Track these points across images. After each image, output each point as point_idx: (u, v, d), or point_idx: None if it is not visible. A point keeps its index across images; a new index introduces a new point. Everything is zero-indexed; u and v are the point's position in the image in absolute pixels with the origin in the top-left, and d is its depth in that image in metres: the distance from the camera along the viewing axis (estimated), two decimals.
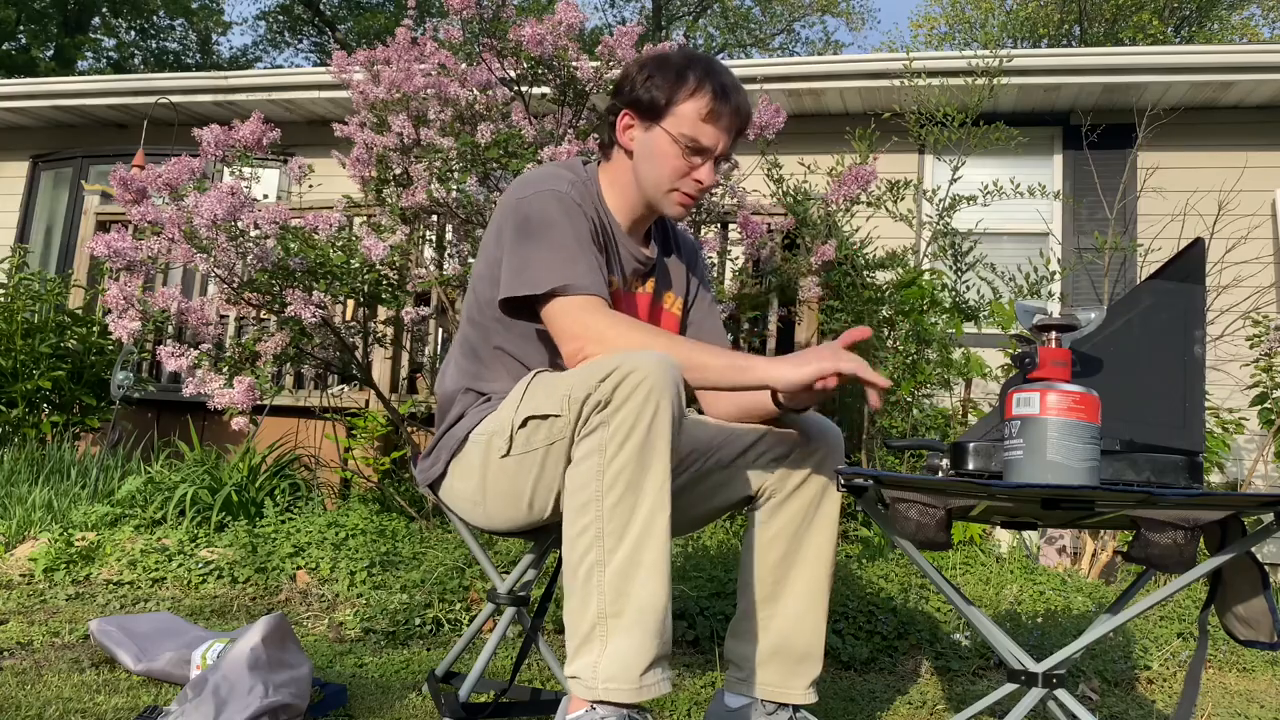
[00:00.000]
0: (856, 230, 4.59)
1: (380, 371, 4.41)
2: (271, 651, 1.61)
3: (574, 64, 3.26)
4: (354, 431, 4.03)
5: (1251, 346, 4.50)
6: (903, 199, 4.54)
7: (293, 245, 3.10)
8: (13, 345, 4.39)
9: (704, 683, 2.11)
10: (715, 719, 1.62)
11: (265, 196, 6.42)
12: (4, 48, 17.61)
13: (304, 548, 3.03)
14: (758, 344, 4.13)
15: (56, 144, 7.49)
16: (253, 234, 2.98)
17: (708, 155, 1.51)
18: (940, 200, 4.69)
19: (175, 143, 6.32)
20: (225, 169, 3.23)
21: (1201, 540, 1.22)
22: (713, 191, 3.35)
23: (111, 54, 20.03)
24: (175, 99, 6.79)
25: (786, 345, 4.28)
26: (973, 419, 4.27)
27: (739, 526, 3.48)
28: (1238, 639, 1.34)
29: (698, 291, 1.75)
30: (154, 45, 20.81)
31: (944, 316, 4.24)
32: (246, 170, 3.22)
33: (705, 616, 2.48)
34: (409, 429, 3.92)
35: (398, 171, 3.36)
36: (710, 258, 3.84)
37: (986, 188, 4.60)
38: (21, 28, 17.79)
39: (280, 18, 21.24)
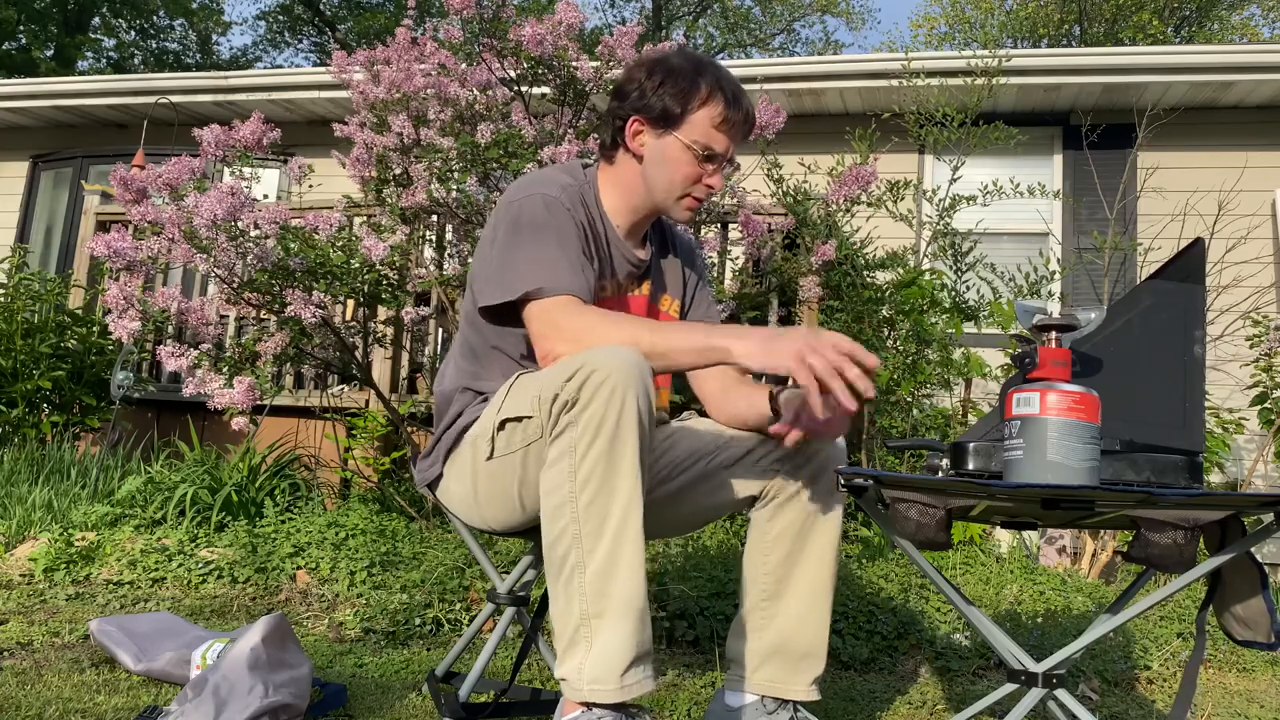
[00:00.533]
0: (856, 230, 4.59)
1: (380, 371, 4.41)
2: (271, 651, 1.61)
3: (574, 64, 3.26)
4: (354, 431, 4.03)
5: (1251, 346, 4.50)
6: (903, 199, 4.54)
7: (293, 245, 3.10)
8: (13, 345, 4.39)
9: (704, 683, 2.11)
10: (715, 718, 1.62)
11: (265, 196, 6.42)
12: (4, 48, 17.61)
13: (304, 548, 3.03)
14: None
15: (56, 144, 7.49)
16: (253, 234, 2.98)
17: (718, 161, 1.54)
18: (940, 200, 4.69)
19: (175, 143, 6.32)
20: (225, 169, 3.23)
21: (1201, 540, 1.22)
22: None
23: (111, 54, 20.03)
24: (175, 99, 6.79)
25: None
26: (973, 419, 4.27)
27: (739, 526, 3.48)
28: (1235, 639, 1.34)
29: (695, 292, 1.75)
30: (154, 45, 20.81)
31: (944, 316, 4.24)
32: (246, 170, 3.22)
33: (705, 616, 2.48)
34: (409, 429, 3.92)
35: (398, 171, 3.36)
36: (710, 258, 3.84)
37: (986, 188, 4.60)
38: (21, 28, 17.79)
39: (280, 18, 21.24)
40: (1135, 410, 1.35)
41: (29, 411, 4.40)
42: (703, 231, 3.96)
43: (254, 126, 3.16)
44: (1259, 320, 4.57)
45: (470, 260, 3.37)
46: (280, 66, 19.69)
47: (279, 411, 4.41)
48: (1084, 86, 5.71)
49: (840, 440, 1.58)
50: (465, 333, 1.61)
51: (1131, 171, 5.48)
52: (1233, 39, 16.34)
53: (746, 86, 1.61)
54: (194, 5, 20.18)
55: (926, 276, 4.18)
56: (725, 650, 1.64)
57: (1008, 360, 4.35)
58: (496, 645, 1.72)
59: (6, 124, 7.44)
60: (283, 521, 3.32)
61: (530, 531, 1.55)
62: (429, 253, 3.83)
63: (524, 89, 3.42)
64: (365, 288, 3.34)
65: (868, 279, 4.35)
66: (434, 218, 3.65)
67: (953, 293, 4.38)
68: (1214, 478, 4.41)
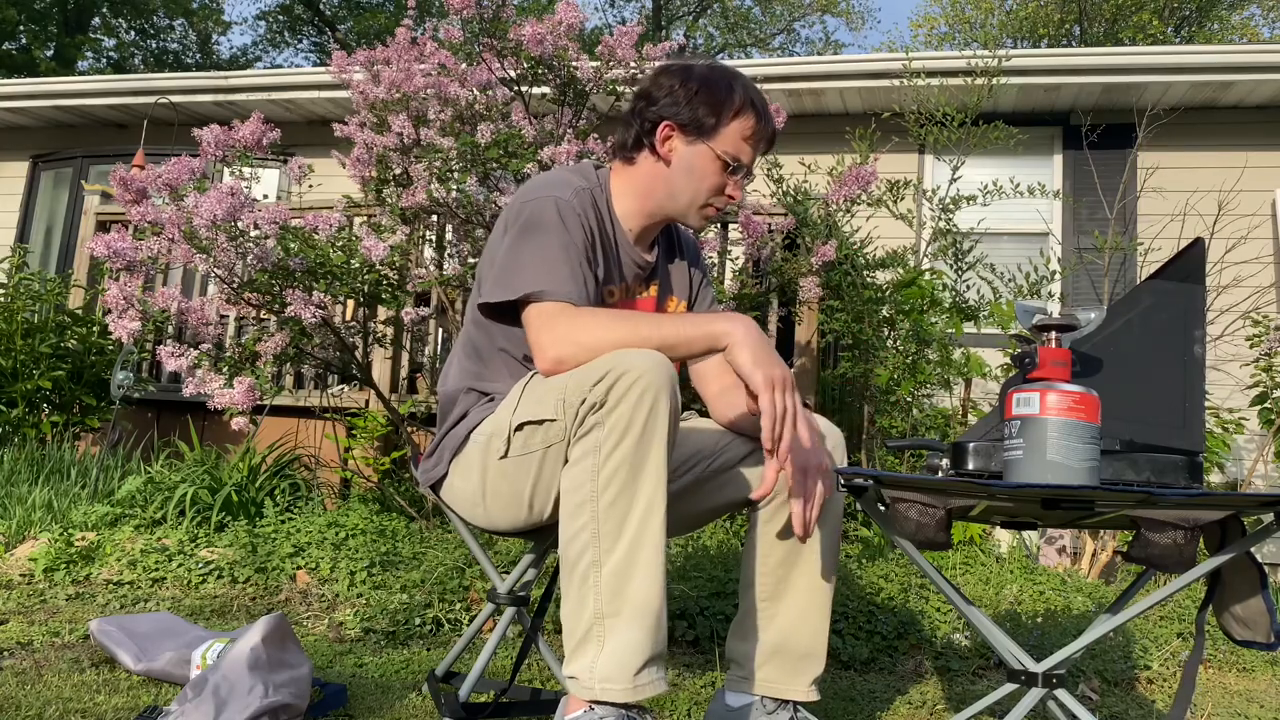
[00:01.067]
0: (856, 230, 4.59)
1: (380, 371, 4.41)
2: (271, 651, 1.61)
3: (574, 64, 3.26)
4: (354, 431, 4.03)
5: (1251, 346, 4.50)
6: (903, 199, 4.54)
7: (293, 245, 3.10)
8: (13, 345, 4.39)
9: (704, 683, 2.11)
10: (716, 718, 1.62)
11: (265, 196, 6.42)
12: (4, 48, 17.61)
13: (304, 548, 3.03)
14: None
15: (56, 144, 7.49)
16: (253, 234, 2.98)
17: (742, 172, 1.56)
18: (940, 200, 4.69)
19: (175, 143, 6.32)
20: (225, 169, 3.23)
21: (1201, 540, 1.22)
22: None
23: (111, 54, 20.03)
24: (175, 99, 6.79)
25: (786, 345, 4.28)
26: (973, 419, 4.27)
27: (739, 526, 3.48)
28: (1235, 639, 1.34)
29: (699, 291, 1.76)
30: (154, 45, 20.82)
31: (944, 316, 4.24)
32: (246, 170, 3.22)
33: (705, 616, 2.48)
34: (409, 429, 3.92)
35: (398, 171, 3.36)
36: (710, 258, 3.84)
37: (986, 187, 4.60)
38: (22, 28, 17.79)
39: (280, 18, 21.25)
40: (1135, 410, 1.35)
41: (29, 411, 4.40)
42: (703, 232, 3.96)
43: (254, 126, 3.16)
44: (1259, 320, 4.57)
45: (470, 260, 3.37)
46: (280, 66, 19.71)
47: (279, 411, 4.41)
48: (1084, 86, 5.71)
49: (840, 440, 1.58)
50: (470, 333, 1.61)
51: (1131, 171, 5.48)
52: (1232, 39, 16.34)
53: None
54: (194, 5, 20.19)
55: (926, 276, 4.18)
56: (725, 650, 1.64)
57: (1008, 360, 4.35)
58: (496, 645, 1.72)
59: (6, 124, 7.44)
60: (283, 521, 3.32)
61: (532, 533, 1.55)
62: (429, 253, 3.83)
63: (524, 89, 3.42)
64: (365, 288, 3.34)
65: (868, 279, 4.35)
66: (434, 218, 3.65)
67: (953, 293, 4.38)
68: (1214, 478, 4.41)
